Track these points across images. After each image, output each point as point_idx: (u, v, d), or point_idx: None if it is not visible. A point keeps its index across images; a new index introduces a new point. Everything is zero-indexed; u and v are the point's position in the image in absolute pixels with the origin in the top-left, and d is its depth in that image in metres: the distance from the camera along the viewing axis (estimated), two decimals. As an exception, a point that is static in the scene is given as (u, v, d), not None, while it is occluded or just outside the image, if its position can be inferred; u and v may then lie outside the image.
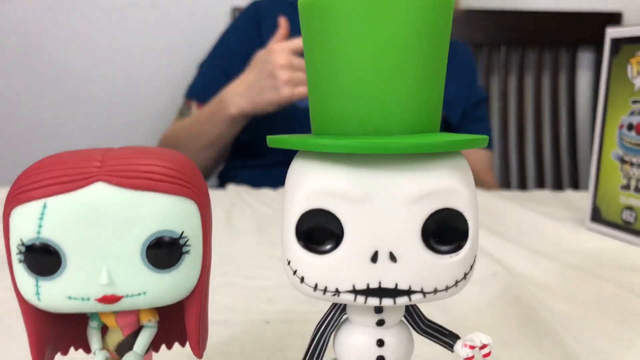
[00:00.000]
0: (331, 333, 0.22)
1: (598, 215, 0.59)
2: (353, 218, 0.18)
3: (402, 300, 0.19)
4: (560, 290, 0.42)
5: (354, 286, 0.19)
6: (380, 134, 0.19)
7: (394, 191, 0.18)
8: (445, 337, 0.22)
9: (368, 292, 0.19)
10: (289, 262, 0.19)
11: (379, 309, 0.21)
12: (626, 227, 0.55)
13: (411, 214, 0.18)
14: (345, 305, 0.21)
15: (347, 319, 0.22)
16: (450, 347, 0.22)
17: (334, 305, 0.22)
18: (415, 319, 0.23)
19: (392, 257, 0.18)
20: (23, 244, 0.19)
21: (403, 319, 0.22)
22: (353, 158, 0.18)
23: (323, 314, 0.22)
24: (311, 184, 0.19)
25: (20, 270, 0.20)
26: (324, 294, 0.19)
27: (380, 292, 0.19)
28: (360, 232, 0.18)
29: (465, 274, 0.19)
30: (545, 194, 0.79)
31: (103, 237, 0.19)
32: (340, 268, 0.19)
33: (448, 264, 0.19)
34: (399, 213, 0.18)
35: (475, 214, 0.19)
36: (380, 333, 0.21)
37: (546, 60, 1.28)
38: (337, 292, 0.19)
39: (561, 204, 0.72)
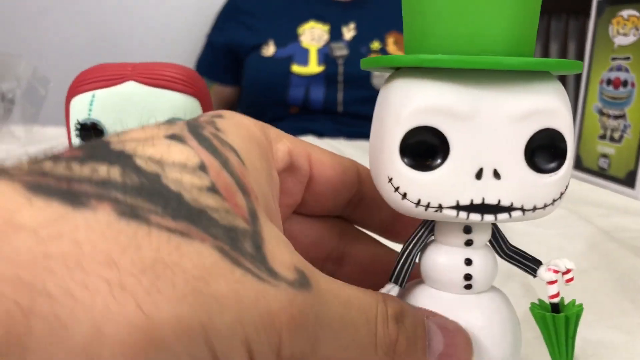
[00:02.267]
0: (418, 253, 0.22)
1: (579, 163, 0.64)
2: (459, 135, 0.19)
3: (503, 217, 0.19)
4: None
5: (457, 202, 0.19)
6: (484, 53, 0.20)
7: (501, 108, 0.19)
8: (529, 262, 0.22)
9: (471, 208, 0.19)
10: (390, 180, 0.20)
11: (467, 229, 0.21)
12: (601, 173, 0.61)
13: (516, 132, 0.19)
14: (433, 226, 0.22)
15: (433, 240, 0.22)
16: (533, 271, 0.22)
17: (422, 226, 0.22)
18: (500, 243, 0.23)
19: (496, 174, 0.19)
20: (79, 123, 0.28)
21: (488, 243, 0.22)
22: (459, 75, 0.19)
23: (410, 236, 0.22)
24: (418, 101, 0.19)
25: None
26: (426, 210, 0.20)
27: (483, 208, 0.19)
28: (465, 149, 0.19)
29: (562, 193, 0.20)
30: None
31: (132, 121, 0.28)
32: (445, 184, 0.19)
33: (547, 183, 0.19)
34: (504, 131, 0.19)
35: (573, 136, 0.21)
36: (468, 252, 0.21)
37: (540, 30, 1.31)
38: (439, 207, 0.19)
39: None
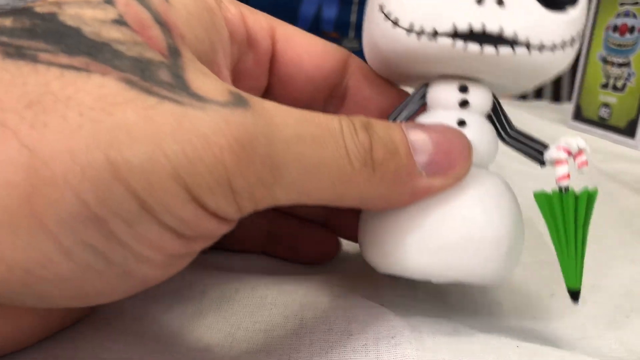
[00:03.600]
0: (408, 118, 0.21)
1: (579, 114, 0.63)
2: None
3: (505, 51, 0.18)
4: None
5: (454, 26, 0.18)
6: None
7: None
8: (536, 144, 0.21)
9: (469, 36, 0.18)
10: (381, 8, 0.19)
11: (463, 88, 0.20)
12: (601, 123, 0.60)
13: None
14: (424, 90, 0.20)
15: (425, 111, 0.21)
16: (539, 155, 0.20)
17: (413, 93, 0.21)
18: (502, 120, 0.21)
19: (499, 0, 0.18)
20: None
21: (487, 119, 0.20)
22: None
23: (398, 105, 0.21)
24: None
25: None
26: (419, 37, 0.18)
27: (483, 37, 0.18)
28: None
29: (573, 39, 0.19)
30: (542, 103, 0.84)
31: None
32: (441, 5, 0.18)
33: (556, 19, 0.18)
34: None
35: None
36: (462, 114, 0.20)
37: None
38: (434, 33, 0.18)
39: (552, 109, 0.76)
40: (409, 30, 0.18)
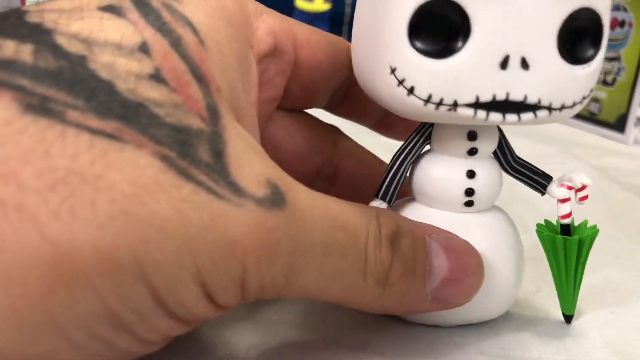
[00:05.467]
0: (410, 165, 0.19)
1: (570, 109, 0.63)
2: (484, 13, 0.15)
3: (527, 117, 0.17)
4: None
5: (477, 97, 0.16)
6: None
7: None
8: (538, 177, 0.20)
9: (491, 105, 0.16)
10: (393, 70, 0.16)
11: (472, 136, 0.18)
12: (591, 118, 0.60)
13: (549, 12, 0.16)
14: (430, 132, 0.19)
15: (429, 150, 0.20)
16: (542, 187, 0.20)
17: (417, 131, 0.20)
18: (506, 153, 0.20)
19: (524, 64, 0.16)
20: None
21: (492, 155, 0.20)
22: None
23: (401, 145, 0.20)
24: None
25: None
26: (437, 108, 0.16)
27: (505, 105, 0.16)
28: (491, 31, 0.16)
29: (591, 90, 0.18)
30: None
31: None
32: (464, 74, 0.16)
33: (579, 76, 0.17)
34: (537, 10, 0.16)
35: (608, 21, 0.17)
36: (471, 163, 0.19)
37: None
38: (454, 105, 0.16)
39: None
40: (427, 101, 0.16)
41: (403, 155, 0.19)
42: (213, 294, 0.13)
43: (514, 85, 0.16)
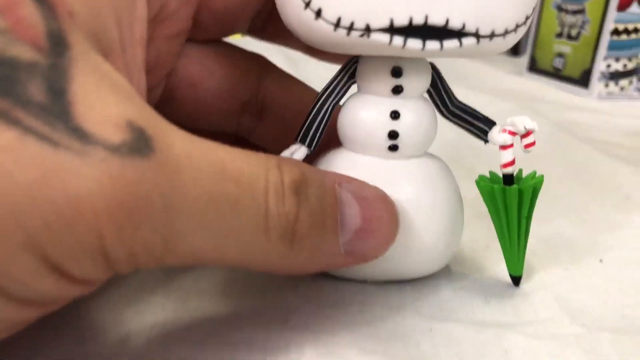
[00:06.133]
0: (335, 104, 0.18)
1: (534, 65, 0.62)
2: None
3: (451, 45, 0.15)
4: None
5: (391, 21, 0.14)
6: None
7: None
8: (479, 122, 0.18)
9: (409, 30, 0.15)
10: None
11: (397, 72, 0.17)
12: (556, 74, 0.58)
13: None
14: (354, 69, 0.18)
15: (356, 92, 0.18)
16: (484, 134, 0.18)
17: (341, 70, 0.18)
18: (442, 96, 0.18)
19: None
20: None
21: (427, 96, 0.18)
22: None
23: (326, 83, 0.18)
24: None
25: None
26: (348, 33, 0.15)
27: (425, 31, 0.15)
28: None
29: (527, 17, 0.16)
30: (500, 56, 0.82)
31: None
32: None
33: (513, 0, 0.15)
34: None
35: None
36: (396, 103, 0.17)
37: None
38: (367, 30, 0.15)
39: (510, 62, 0.75)
40: (336, 25, 0.14)
41: (326, 95, 0.18)
42: (61, 267, 0.10)
43: (433, 5, 0.14)
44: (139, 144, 0.10)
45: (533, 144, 0.18)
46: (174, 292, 0.18)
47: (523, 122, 0.18)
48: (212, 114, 0.19)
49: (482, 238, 0.23)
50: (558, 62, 0.58)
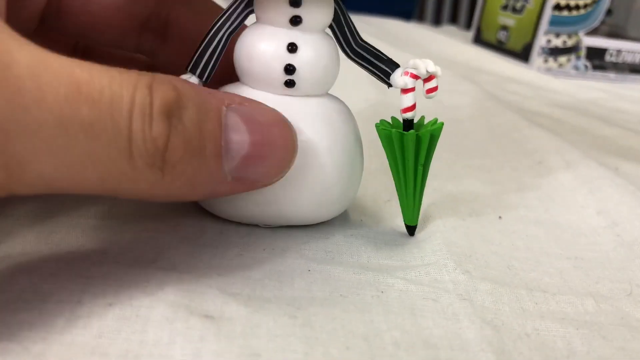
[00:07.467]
0: (232, 33, 0.17)
1: (479, 37, 0.62)
2: None
3: None
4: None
5: None
6: None
7: None
8: (382, 64, 0.18)
9: None
10: None
11: (295, 1, 0.16)
12: (499, 47, 0.59)
13: None
14: None
15: (254, 23, 0.17)
16: (386, 77, 0.18)
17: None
18: (346, 34, 0.18)
19: None
20: None
21: (330, 32, 0.18)
22: None
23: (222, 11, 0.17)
24: None
25: None
26: None
27: None
28: None
29: None
30: (452, 28, 0.82)
31: None
32: None
33: None
34: None
35: None
36: (293, 35, 0.16)
37: None
38: None
39: (460, 34, 0.75)
40: None
41: (220, 22, 0.17)
42: None
43: None
44: None
45: (435, 89, 0.18)
46: (40, 224, 0.17)
47: (425, 65, 0.17)
48: (107, 31, 0.18)
49: (386, 192, 0.22)
50: (502, 35, 0.58)
